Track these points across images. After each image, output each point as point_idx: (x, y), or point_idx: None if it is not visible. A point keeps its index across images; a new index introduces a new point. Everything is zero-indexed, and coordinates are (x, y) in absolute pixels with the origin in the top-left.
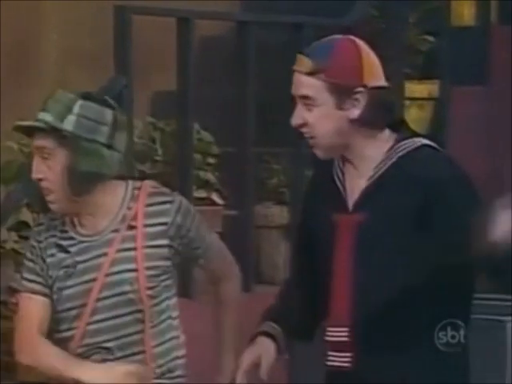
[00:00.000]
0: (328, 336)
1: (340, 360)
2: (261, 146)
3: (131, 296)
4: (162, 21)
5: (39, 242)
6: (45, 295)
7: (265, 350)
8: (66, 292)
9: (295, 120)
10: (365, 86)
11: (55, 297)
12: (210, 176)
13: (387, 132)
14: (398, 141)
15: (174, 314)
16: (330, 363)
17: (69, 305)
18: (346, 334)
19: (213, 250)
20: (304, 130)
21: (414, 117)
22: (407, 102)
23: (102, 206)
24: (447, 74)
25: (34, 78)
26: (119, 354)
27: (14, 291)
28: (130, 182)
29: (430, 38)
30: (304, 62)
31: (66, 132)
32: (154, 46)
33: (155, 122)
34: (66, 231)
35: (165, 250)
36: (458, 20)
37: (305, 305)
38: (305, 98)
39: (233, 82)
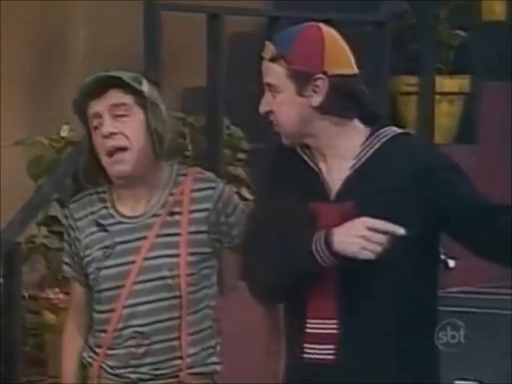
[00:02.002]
0: (308, 328)
1: (322, 353)
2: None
3: (169, 282)
4: (191, 17)
5: (76, 219)
6: (77, 280)
7: None
8: (104, 272)
9: (262, 107)
10: (325, 73)
11: (92, 277)
12: (240, 171)
13: (359, 124)
14: (376, 130)
15: (212, 303)
16: (308, 356)
17: (106, 285)
18: (330, 326)
19: None
20: (270, 117)
21: (445, 111)
22: (438, 97)
23: (150, 188)
24: (478, 68)
25: (62, 77)
26: (155, 339)
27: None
28: (175, 168)
29: (461, 33)
30: (268, 49)
31: (145, 93)
32: (184, 42)
33: (184, 117)
34: (106, 207)
35: (205, 237)
36: (489, 15)
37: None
38: (269, 85)
39: (262, 79)
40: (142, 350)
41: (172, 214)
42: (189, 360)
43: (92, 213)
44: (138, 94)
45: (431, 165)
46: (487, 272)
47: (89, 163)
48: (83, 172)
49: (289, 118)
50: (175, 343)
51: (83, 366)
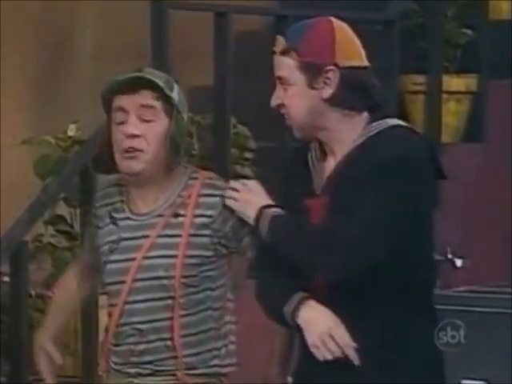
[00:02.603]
0: None
1: None
2: (298, 141)
3: (165, 282)
4: (199, 15)
5: (97, 208)
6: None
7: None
8: (109, 267)
9: (273, 101)
10: (336, 65)
11: (102, 269)
12: (247, 170)
13: (366, 117)
14: (369, 122)
15: (216, 305)
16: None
17: (111, 279)
18: None
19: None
20: (282, 110)
21: (452, 110)
22: (445, 96)
23: (159, 189)
24: (485, 67)
25: (70, 76)
26: (152, 337)
27: None
28: (188, 171)
29: (468, 32)
30: (279, 42)
31: (174, 101)
32: (191, 40)
33: (192, 115)
34: (122, 201)
35: (206, 240)
36: (496, 14)
37: None
38: (280, 78)
39: (270, 77)
40: (140, 347)
41: (176, 215)
42: (186, 360)
43: (109, 204)
44: (167, 100)
45: (373, 165)
46: (491, 271)
47: (102, 153)
48: (95, 160)
49: (300, 111)
50: (169, 343)
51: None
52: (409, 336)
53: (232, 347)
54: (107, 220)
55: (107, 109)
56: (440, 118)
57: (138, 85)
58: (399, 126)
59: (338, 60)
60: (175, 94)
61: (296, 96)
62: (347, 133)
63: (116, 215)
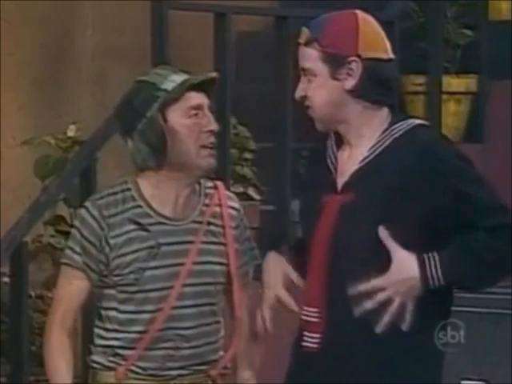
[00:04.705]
0: (303, 315)
1: (310, 341)
2: (298, 141)
3: (210, 288)
4: (199, 16)
5: (106, 217)
6: (85, 273)
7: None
8: (150, 273)
9: (297, 93)
10: (359, 56)
11: (133, 276)
12: (246, 171)
13: (386, 113)
14: (392, 123)
15: None
16: (303, 343)
17: (151, 286)
18: (316, 314)
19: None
20: (306, 102)
21: (452, 111)
22: (445, 96)
23: (190, 192)
24: (485, 67)
25: (70, 76)
26: (194, 343)
27: (63, 264)
28: (202, 180)
29: (468, 32)
30: (303, 34)
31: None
32: (191, 41)
33: None
34: (139, 206)
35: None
36: (496, 14)
37: None
38: (304, 69)
39: (270, 77)
40: (180, 352)
41: (210, 223)
42: (221, 361)
43: (124, 211)
44: None
45: (441, 165)
46: None
47: (160, 144)
48: (153, 152)
49: (323, 102)
50: (214, 346)
51: (88, 369)
52: (410, 335)
53: None
54: (129, 227)
55: (170, 102)
56: (440, 118)
57: (205, 86)
58: (422, 125)
59: (361, 51)
60: None
61: (319, 87)
62: (366, 127)
63: (141, 220)
